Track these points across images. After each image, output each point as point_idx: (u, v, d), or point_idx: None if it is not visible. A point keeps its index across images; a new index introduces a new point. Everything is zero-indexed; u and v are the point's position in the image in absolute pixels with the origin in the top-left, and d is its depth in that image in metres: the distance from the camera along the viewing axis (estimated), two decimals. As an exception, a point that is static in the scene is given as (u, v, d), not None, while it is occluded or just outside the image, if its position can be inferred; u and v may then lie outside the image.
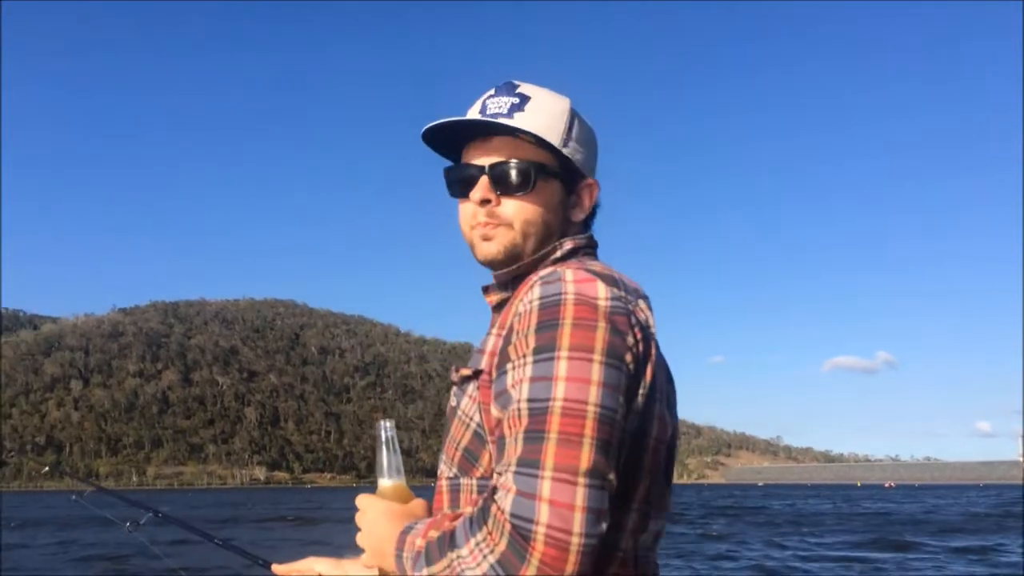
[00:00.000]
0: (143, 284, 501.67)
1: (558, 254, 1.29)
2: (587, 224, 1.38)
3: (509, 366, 1.11)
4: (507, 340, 1.14)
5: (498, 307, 1.31)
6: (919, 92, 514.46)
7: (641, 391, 1.12)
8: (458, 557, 1.03)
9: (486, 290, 1.37)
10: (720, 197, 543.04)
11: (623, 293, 1.16)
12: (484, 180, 1.29)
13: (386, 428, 1.34)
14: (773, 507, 52.72)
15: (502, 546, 0.99)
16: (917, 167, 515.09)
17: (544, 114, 1.30)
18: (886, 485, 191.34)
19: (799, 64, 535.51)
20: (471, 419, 1.22)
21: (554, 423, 1.02)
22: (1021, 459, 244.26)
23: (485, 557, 0.99)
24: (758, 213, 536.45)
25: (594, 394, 1.03)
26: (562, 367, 1.04)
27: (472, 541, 1.02)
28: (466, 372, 1.24)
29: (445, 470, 1.27)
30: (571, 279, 1.13)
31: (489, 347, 1.21)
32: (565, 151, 1.29)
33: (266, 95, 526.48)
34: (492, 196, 1.29)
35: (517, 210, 1.28)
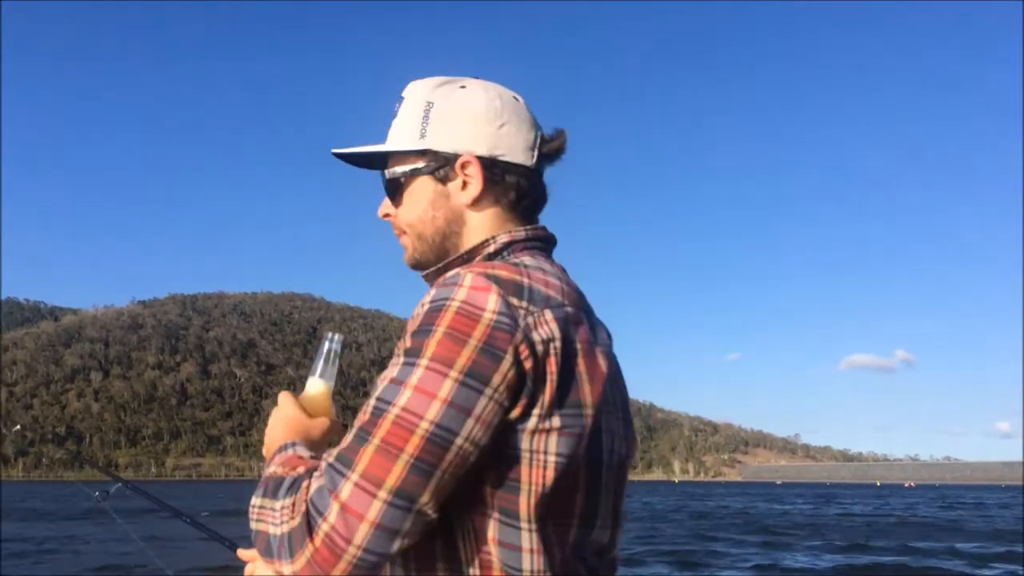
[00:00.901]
0: (162, 276, 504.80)
1: (490, 249, 1.22)
2: (528, 208, 1.27)
3: (391, 362, 1.09)
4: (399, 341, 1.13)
5: None
6: (939, 90, 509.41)
7: (537, 410, 1.05)
8: (270, 508, 1.06)
9: None
10: (737, 195, 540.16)
11: (524, 304, 1.07)
12: (385, 199, 1.31)
13: (332, 340, 1.32)
14: (821, 514, 41.73)
15: (294, 523, 1.01)
16: (935, 166, 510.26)
17: (404, 114, 1.27)
18: (906, 485, 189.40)
19: (821, 60, 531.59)
20: None
21: (381, 429, 1.00)
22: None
23: (282, 523, 1.02)
24: (776, 210, 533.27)
25: (434, 411, 0.99)
26: (416, 376, 1.01)
27: (282, 502, 1.04)
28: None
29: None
30: (467, 284, 1.07)
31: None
32: (422, 143, 1.24)
33: (286, 89, 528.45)
34: (385, 210, 1.32)
35: (401, 217, 1.29)
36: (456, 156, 1.24)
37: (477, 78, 1.29)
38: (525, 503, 1.06)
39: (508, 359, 1.03)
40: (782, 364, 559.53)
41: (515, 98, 1.28)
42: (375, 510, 0.97)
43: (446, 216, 1.25)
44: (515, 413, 1.05)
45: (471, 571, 1.06)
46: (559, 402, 1.07)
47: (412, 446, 0.98)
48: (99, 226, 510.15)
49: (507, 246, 1.22)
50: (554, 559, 1.08)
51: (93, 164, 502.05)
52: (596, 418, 1.11)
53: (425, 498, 0.99)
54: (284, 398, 1.28)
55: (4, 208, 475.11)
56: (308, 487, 1.02)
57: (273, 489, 1.08)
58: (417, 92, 1.27)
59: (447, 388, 1.00)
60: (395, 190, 1.28)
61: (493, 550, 1.06)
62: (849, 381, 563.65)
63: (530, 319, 1.06)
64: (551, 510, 1.08)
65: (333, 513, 0.98)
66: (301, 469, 1.08)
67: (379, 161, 1.30)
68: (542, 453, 1.06)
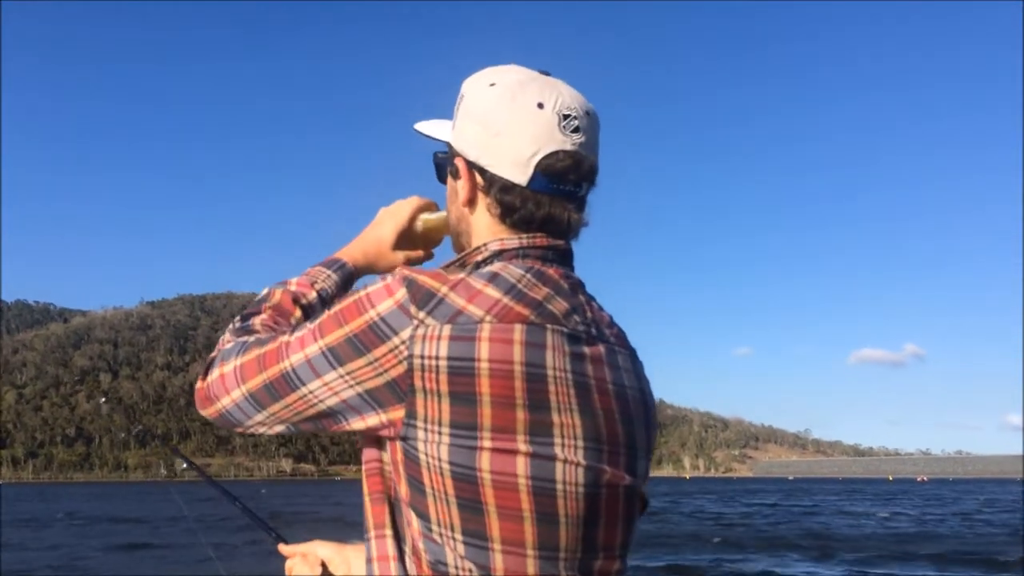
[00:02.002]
0: (171, 277, 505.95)
1: (479, 257, 1.20)
2: (520, 223, 1.19)
3: None
4: None
5: None
6: (950, 88, 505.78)
7: (420, 422, 1.06)
8: (226, 329, 1.27)
9: None
10: (746, 191, 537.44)
11: (421, 316, 1.06)
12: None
13: None
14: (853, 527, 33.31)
15: (218, 348, 1.22)
16: (945, 163, 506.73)
17: (455, 110, 1.25)
18: (919, 479, 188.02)
19: (828, 60, 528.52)
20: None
21: (268, 348, 1.15)
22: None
23: (220, 347, 1.22)
24: (785, 206, 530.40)
25: (295, 359, 1.12)
26: (302, 331, 1.14)
27: (232, 328, 1.26)
28: None
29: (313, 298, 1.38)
30: (380, 279, 1.12)
31: None
32: (451, 135, 1.25)
33: (293, 92, 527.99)
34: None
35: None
36: (456, 155, 1.23)
37: (547, 74, 1.22)
38: (434, 508, 1.07)
39: (367, 358, 1.08)
40: (792, 359, 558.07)
41: (540, 107, 1.16)
42: (235, 395, 1.16)
43: (456, 214, 1.26)
44: (393, 415, 1.08)
45: (408, 560, 1.11)
46: (448, 418, 1.05)
47: (270, 372, 1.14)
48: (108, 228, 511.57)
49: (497, 255, 1.19)
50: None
51: (102, 165, 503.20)
52: (550, 445, 1.06)
53: (273, 409, 1.15)
54: (406, 208, 1.43)
55: (13, 210, 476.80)
56: (227, 340, 1.22)
57: (256, 302, 1.32)
58: (466, 82, 1.24)
59: (312, 351, 1.11)
60: (439, 176, 1.32)
61: (420, 544, 1.09)
62: (859, 375, 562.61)
63: (419, 331, 1.06)
64: (484, 532, 1.06)
65: (215, 374, 1.18)
66: (262, 318, 1.27)
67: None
68: (436, 459, 1.06)
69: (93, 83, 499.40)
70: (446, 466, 1.05)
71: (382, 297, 1.08)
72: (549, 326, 1.08)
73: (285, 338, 1.14)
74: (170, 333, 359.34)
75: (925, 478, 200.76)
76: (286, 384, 1.13)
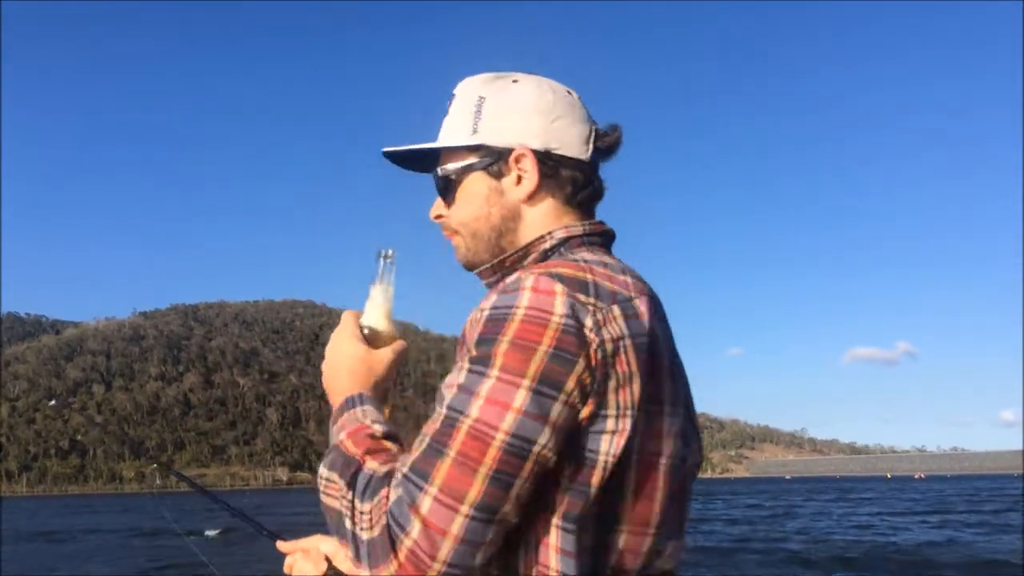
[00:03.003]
0: (163, 287, 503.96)
1: (547, 245, 1.21)
2: (584, 202, 1.25)
3: (454, 367, 1.07)
4: (458, 351, 1.10)
5: None
6: (940, 87, 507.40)
7: (605, 411, 1.03)
8: (352, 505, 1.03)
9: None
10: (737, 190, 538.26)
11: (592, 301, 1.05)
12: (438, 199, 1.29)
13: (384, 255, 1.29)
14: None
15: (374, 534, 0.99)
16: (934, 162, 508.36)
17: (455, 110, 1.25)
18: (916, 476, 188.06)
19: (816, 61, 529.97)
20: None
21: (456, 442, 0.98)
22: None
23: (362, 529, 1.01)
24: (776, 205, 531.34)
25: (508, 422, 0.97)
26: (486, 386, 0.99)
27: (362, 504, 1.02)
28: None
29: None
30: (529, 287, 1.04)
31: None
32: (474, 138, 1.22)
33: (284, 94, 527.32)
34: (437, 211, 1.29)
35: (454, 216, 1.26)
36: (510, 150, 1.22)
37: (529, 74, 1.27)
38: (587, 507, 1.04)
39: (580, 362, 1.01)
40: (785, 358, 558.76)
41: (568, 92, 1.26)
42: (458, 525, 0.95)
43: (501, 212, 1.23)
44: (584, 414, 1.02)
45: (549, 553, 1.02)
46: (629, 401, 1.04)
47: (489, 459, 0.97)
48: (99, 239, 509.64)
49: (564, 242, 1.20)
50: (614, 567, 1.06)
51: (92, 176, 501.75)
52: (662, 417, 1.08)
53: (507, 508, 0.98)
54: (347, 323, 1.27)
55: (4, 221, 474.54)
56: (387, 497, 1.00)
57: (343, 468, 1.08)
58: (469, 88, 1.25)
59: (520, 398, 0.98)
60: (448, 188, 1.26)
61: (552, 560, 1.03)
62: (853, 374, 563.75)
63: (599, 316, 1.04)
64: (621, 516, 1.06)
65: (415, 529, 0.96)
66: (374, 465, 1.06)
67: (431, 161, 1.28)
68: (608, 455, 1.03)
69: (84, 91, 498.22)
70: (610, 459, 1.03)
71: (547, 300, 1.02)
72: (655, 298, 1.13)
73: (465, 418, 0.99)
74: (163, 343, 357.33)
75: (922, 475, 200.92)
76: (515, 458, 0.98)
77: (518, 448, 0.97)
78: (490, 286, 1.24)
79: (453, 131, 1.25)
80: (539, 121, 1.22)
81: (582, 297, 1.04)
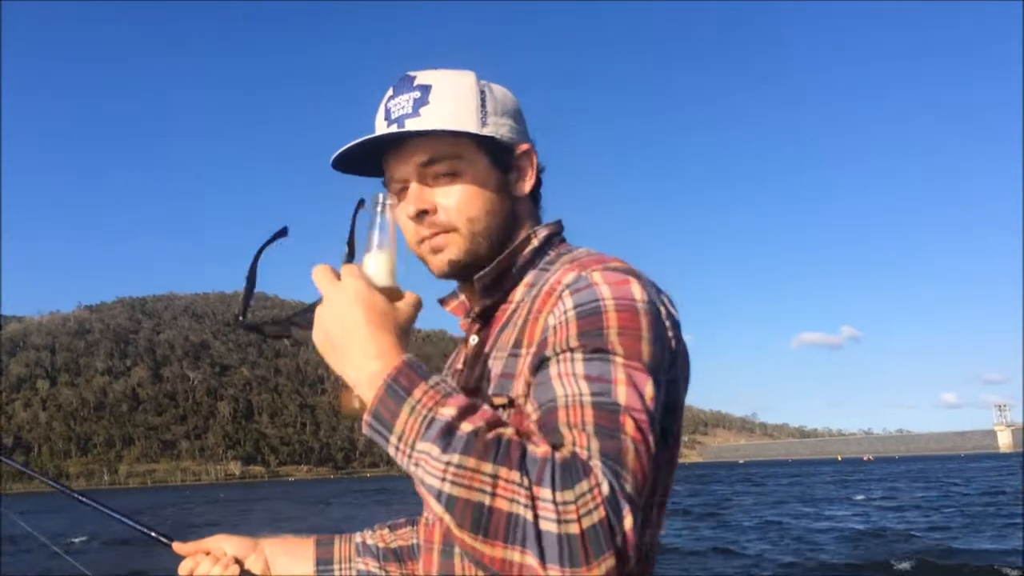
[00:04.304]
0: (109, 280, 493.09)
1: (535, 243, 1.21)
2: (535, 197, 1.26)
3: (552, 361, 1.02)
4: (541, 354, 1.05)
5: (483, 314, 1.22)
6: (894, 81, 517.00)
7: (676, 386, 1.10)
8: (531, 494, 0.88)
9: (445, 301, 1.33)
10: (685, 178, 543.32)
11: (650, 284, 1.10)
12: (413, 189, 1.17)
13: (380, 203, 1.10)
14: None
15: (588, 523, 0.87)
16: (869, 146, 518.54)
17: (451, 99, 1.17)
18: (865, 458, 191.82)
19: (793, 53, 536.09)
20: None
21: (629, 427, 0.95)
22: (999, 428, 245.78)
23: (565, 522, 0.86)
24: (722, 193, 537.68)
25: (648, 405, 0.98)
26: (620, 372, 0.98)
27: (557, 493, 0.87)
28: (500, 400, 1.10)
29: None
30: (602, 281, 1.05)
31: (519, 369, 1.09)
32: (485, 130, 1.18)
33: (226, 84, 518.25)
34: (427, 204, 1.16)
35: (456, 211, 1.16)
36: (514, 146, 1.21)
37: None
38: (659, 481, 1.10)
39: (670, 341, 1.07)
40: (735, 344, 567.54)
41: None
42: (634, 518, 0.91)
43: (503, 207, 1.20)
44: (669, 390, 1.08)
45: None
46: (682, 375, 1.12)
47: (650, 442, 0.97)
48: (41, 230, 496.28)
49: (547, 240, 1.22)
50: (655, 537, 1.12)
51: (31, 167, 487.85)
52: (685, 392, 1.15)
53: (646, 478, 0.96)
54: (352, 271, 1.04)
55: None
56: (596, 487, 0.89)
57: (499, 454, 0.90)
58: (459, 81, 1.20)
59: (645, 382, 0.99)
60: (447, 179, 1.16)
61: (646, 535, 1.06)
62: (801, 358, 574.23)
63: (663, 297, 1.11)
64: (663, 487, 1.12)
65: (627, 525, 0.89)
66: (543, 448, 0.91)
67: (377, 163, 1.21)
68: (671, 428, 1.09)
69: (19, 79, 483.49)
70: (672, 435, 1.10)
71: (625, 287, 1.05)
72: None
73: (617, 405, 0.96)
74: (110, 337, 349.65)
75: (871, 457, 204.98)
76: (654, 437, 0.98)
77: (655, 429, 0.99)
78: (485, 290, 1.19)
79: (458, 116, 1.16)
80: (522, 120, 1.25)
81: (644, 281, 1.08)
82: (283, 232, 1.14)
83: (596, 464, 0.91)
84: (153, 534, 1.37)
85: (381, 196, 1.10)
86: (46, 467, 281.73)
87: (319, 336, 1.02)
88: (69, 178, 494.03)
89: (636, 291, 1.04)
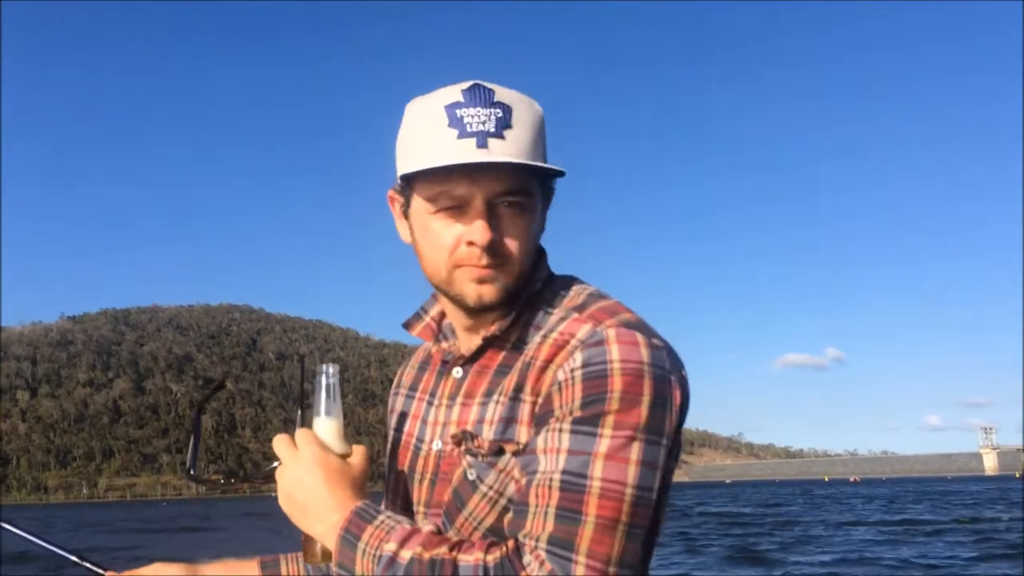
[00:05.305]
0: (93, 291, 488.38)
1: (537, 287, 1.19)
2: None
3: (544, 429, 1.05)
4: (546, 411, 1.06)
5: (481, 351, 1.19)
6: (856, 89, 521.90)
7: (677, 440, 1.09)
8: None
9: (409, 325, 1.29)
10: (668, 197, 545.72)
11: (661, 343, 1.09)
12: (483, 220, 1.11)
13: (328, 373, 1.17)
14: None
15: None
16: (861, 172, 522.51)
17: (530, 128, 1.13)
18: (851, 480, 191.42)
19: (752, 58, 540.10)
20: (500, 495, 1.10)
21: (591, 506, 0.98)
22: (985, 451, 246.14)
23: None
24: (707, 213, 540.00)
25: (632, 475, 0.99)
26: (603, 444, 1.00)
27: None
28: (511, 447, 1.10)
29: (431, 527, 1.14)
30: (614, 340, 1.05)
31: (524, 416, 1.09)
32: (552, 164, 1.14)
33: (218, 100, 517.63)
34: (495, 235, 1.11)
35: (517, 246, 1.13)
36: (553, 189, 1.19)
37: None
38: (657, 534, 1.09)
39: (673, 404, 1.06)
40: (720, 364, 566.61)
41: None
42: None
43: (532, 246, 1.18)
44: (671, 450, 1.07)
45: None
46: (681, 430, 1.10)
47: (625, 515, 0.98)
48: (24, 240, 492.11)
49: (548, 281, 1.21)
50: None
51: (15, 174, 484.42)
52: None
53: (641, 557, 1.01)
54: (304, 437, 1.13)
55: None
56: None
57: (433, 573, 0.98)
58: (534, 109, 1.15)
59: (636, 450, 1.00)
60: (521, 214, 1.13)
61: None
62: (786, 380, 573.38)
63: (671, 357, 1.09)
64: (658, 529, 1.11)
65: None
66: (476, 556, 0.99)
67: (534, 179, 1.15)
68: (669, 479, 1.08)
69: (8, 87, 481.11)
70: (664, 495, 1.08)
71: (633, 348, 1.05)
72: None
73: (591, 481, 0.99)
74: (92, 348, 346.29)
75: (857, 478, 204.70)
76: (643, 508, 1.01)
77: (644, 499, 1.00)
78: (501, 331, 1.17)
79: (537, 152, 1.13)
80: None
81: (655, 341, 1.07)
82: (222, 385, 1.24)
83: (538, 555, 0.96)
84: (87, 564, 1.30)
85: (331, 368, 1.16)
86: (24, 479, 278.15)
87: (283, 500, 1.11)
88: (53, 187, 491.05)
89: (645, 354, 1.05)
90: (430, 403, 1.24)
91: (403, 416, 1.28)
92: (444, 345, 1.24)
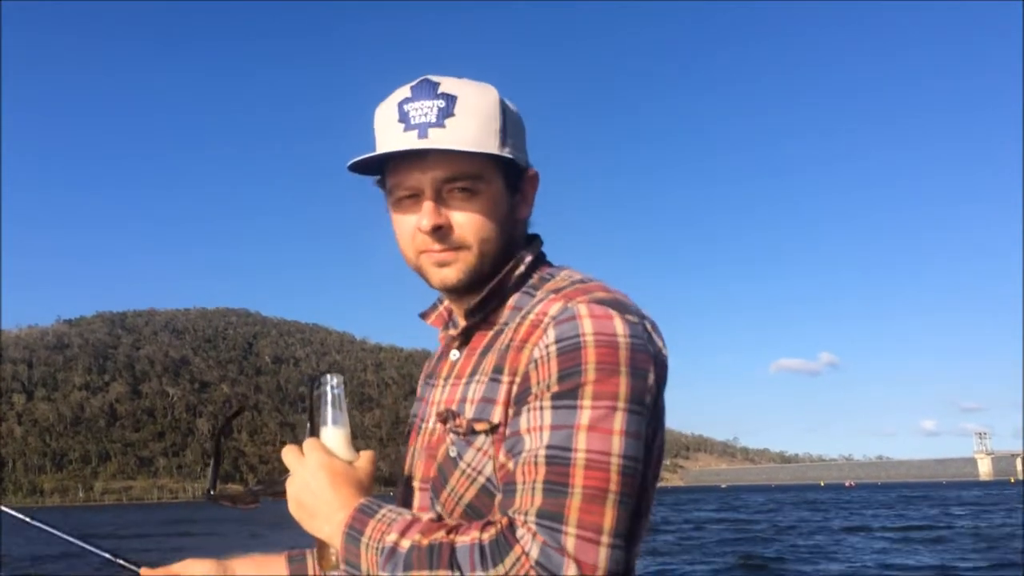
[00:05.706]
0: (89, 294, 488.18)
1: (521, 268, 1.22)
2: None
3: (524, 409, 1.07)
4: (524, 389, 1.09)
5: (468, 332, 1.25)
6: (850, 92, 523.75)
7: (659, 414, 1.11)
8: None
9: (426, 314, 1.34)
10: (661, 202, 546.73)
11: (636, 318, 1.10)
12: (429, 205, 1.16)
13: (333, 384, 1.20)
14: None
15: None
16: (855, 177, 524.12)
17: (477, 115, 1.16)
18: (847, 484, 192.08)
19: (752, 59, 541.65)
20: (479, 473, 1.14)
21: (578, 477, 0.99)
22: (980, 456, 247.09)
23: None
24: (701, 217, 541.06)
25: (616, 444, 1.01)
26: (584, 416, 1.02)
27: (490, 571, 0.96)
28: (482, 426, 1.14)
29: (432, 515, 1.17)
30: (586, 315, 1.07)
31: (500, 396, 1.13)
32: (505, 151, 1.18)
33: (217, 103, 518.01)
34: (442, 220, 1.17)
35: (471, 229, 1.18)
36: (526, 168, 1.23)
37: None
38: (646, 515, 1.11)
39: (651, 376, 1.07)
40: (715, 368, 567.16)
41: None
42: (603, 556, 0.97)
43: (507, 229, 1.22)
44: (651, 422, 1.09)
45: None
46: (663, 402, 1.11)
47: (614, 484, 1.00)
48: (21, 242, 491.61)
49: (533, 264, 1.24)
50: (634, 568, 1.12)
51: (10, 178, 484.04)
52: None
53: (631, 527, 1.02)
54: (310, 445, 1.16)
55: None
56: (523, 553, 0.96)
57: (437, 560, 1.00)
58: (483, 97, 1.18)
59: (619, 420, 1.02)
60: (468, 197, 1.17)
61: (633, 560, 1.07)
62: (780, 384, 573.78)
63: (647, 324, 1.12)
64: (648, 509, 1.12)
65: (572, 570, 0.95)
66: (472, 535, 1.01)
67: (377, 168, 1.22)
68: (654, 453, 1.11)
69: (27, 86, 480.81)
70: (661, 449, 1.14)
71: (607, 321, 1.07)
72: None
73: (576, 453, 1.01)
74: (89, 352, 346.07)
75: (853, 483, 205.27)
76: (630, 477, 1.03)
77: (630, 468, 1.01)
78: (471, 312, 1.22)
79: (483, 136, 1.17)
80: (525, 143, 1.25)
81: (629, 316, 1.09)
82: (240, 410, 1.29)
83: (529, 528, 0.98)
84: (119, 561, 1.34)
85: (335, 379, 1.20)
86: (20, 483, 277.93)
87: (293, 506, 1.14)
88: (49, 190, 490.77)
89: (618, 326, 1.06)
90: (434, 385, 1.30)
91: (418, 402, 1.34)
92: (451, 331, 1.28)
